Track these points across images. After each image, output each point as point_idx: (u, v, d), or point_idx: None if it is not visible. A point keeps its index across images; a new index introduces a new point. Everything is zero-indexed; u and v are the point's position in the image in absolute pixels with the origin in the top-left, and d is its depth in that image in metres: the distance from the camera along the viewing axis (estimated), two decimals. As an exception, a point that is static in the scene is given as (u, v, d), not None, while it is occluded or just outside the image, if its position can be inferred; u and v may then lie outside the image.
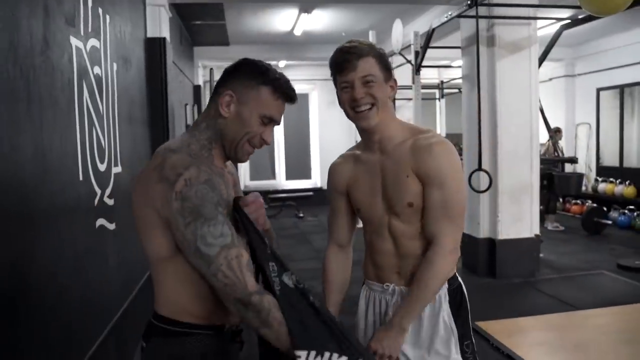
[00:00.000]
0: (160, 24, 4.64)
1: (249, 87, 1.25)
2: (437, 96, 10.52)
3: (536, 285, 4.79)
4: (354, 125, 1.49)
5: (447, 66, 9.19)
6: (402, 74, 7.38)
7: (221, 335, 1.25)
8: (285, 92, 1.27)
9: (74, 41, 2.41)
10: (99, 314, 2.58)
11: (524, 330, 3.77)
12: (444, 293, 1.51)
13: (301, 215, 9.67)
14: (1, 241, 1.70)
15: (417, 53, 5.69)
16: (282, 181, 11.33)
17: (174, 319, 1.22)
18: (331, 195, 1.64)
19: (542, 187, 5.86)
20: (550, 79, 9.76)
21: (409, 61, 6.02)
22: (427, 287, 1.43)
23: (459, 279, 1.58)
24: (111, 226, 2.88)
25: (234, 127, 1.24)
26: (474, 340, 1.59)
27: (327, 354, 1.09)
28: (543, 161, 6.10)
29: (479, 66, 4.54)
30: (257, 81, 1.25)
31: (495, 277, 4.93)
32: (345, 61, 1.41)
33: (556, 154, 6.67)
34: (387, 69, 1.45)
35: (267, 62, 1.32)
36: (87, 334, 2.50)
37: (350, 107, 1.45)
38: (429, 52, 5.89)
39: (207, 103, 1.34)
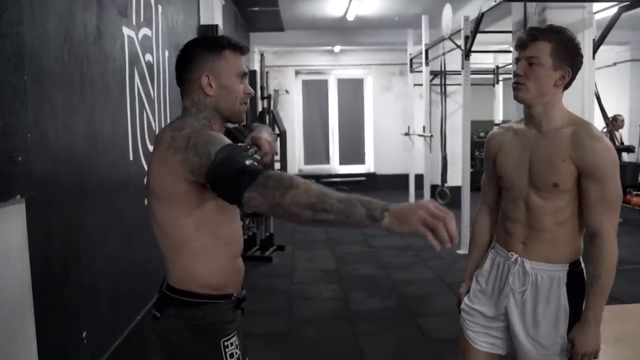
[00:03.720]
0: (212, 12, 4.84)
1: (214, 60, 1.36)
2: (494, 82, 10.27)
3: (582, 275, 4.67)
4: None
5: (505, 51, 8.94)
6: (453, 59, 7.29)
7: (230, 304, 1.40)
8: (239, 46, 1.40)
9: (126, 31, 2.62)
10: (147, 281, 2.78)
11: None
12: (563, 275, 1.61)
13: (353, 199, 9.75)
14: (55, 211, 1.92)
15: (466, 38, 5.61)
16: (335, 166, 11.44)
17: (189, 290, 1.34)
18: (485, 161, 1.81)
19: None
20: (615, 64, 9.31)
21: (458, 46, 5.95)
22: (608, 282, 1.53)
23: (582, 265, 1.64)
24: (160, 202, 3.09)
25: (224, 98, 1.37)
26: None
27: None
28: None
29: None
30: (217, 51, 1.37)
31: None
32: (522, 39, 1.59)
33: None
34: (560, 58, 1.54)
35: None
36: (136, 299, 2.73)
37: (513, 78, 1.62)
38: (485, 36, 5.76)
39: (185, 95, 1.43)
